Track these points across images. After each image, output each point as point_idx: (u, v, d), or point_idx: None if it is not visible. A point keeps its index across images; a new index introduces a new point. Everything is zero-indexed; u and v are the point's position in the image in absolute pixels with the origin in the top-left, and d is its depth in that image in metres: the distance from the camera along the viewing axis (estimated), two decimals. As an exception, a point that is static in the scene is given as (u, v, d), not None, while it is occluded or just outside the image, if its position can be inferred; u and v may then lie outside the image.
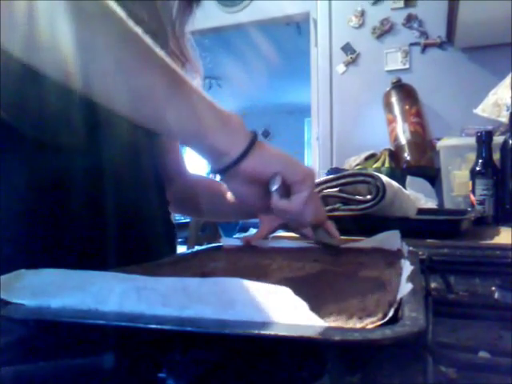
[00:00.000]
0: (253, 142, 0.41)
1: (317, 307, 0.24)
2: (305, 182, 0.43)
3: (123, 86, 0.37)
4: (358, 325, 0.22)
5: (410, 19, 2.36)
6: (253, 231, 0.79)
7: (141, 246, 0.56)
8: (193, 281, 0.24)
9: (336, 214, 0.82)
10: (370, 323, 0.22)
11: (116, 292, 0.24)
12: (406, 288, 0.26)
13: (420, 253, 0.49)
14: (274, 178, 0.42)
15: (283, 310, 0.21)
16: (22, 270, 0.27)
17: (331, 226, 0.55)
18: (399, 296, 0.25)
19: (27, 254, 0.47)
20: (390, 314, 0.23)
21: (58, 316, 0.24)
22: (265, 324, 0.21)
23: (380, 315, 0.23)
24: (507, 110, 1.39)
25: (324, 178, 0.89)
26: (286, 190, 0.43)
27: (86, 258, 0.49)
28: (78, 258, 0.48)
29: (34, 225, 0.48)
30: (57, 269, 0.27)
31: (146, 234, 0.58)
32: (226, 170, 0.42)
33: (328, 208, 0.84)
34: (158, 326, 0.21)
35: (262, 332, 0.20)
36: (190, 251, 0.56)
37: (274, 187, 0.42)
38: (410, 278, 0.28)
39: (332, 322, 0.23)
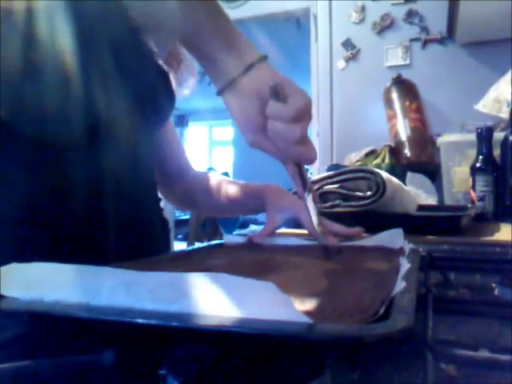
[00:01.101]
0: (263, 58, 0.47)
1: (310, 304, 0.24)
2: (302, 94, 0.45)
3: None
4: (347, 322, 0.22)
5: (410, 14, 2.35)
6: (253, 227, 0.79)
7: (137, 245, 0.56)
8: (181, 276, 0.24)
9: (336, 210, 0.82)
10: (359, 321, 0.22)
11: (106, 286, 0.24)
12: (399, 286, 0.26)
13: (420, 249, 0.49)
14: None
15: (267, 306, 0.21)
16: (14, 264, 0.27)
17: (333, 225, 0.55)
18: (393, 294, 0.25)
19: (23, 246, 0.47)
20: (381, 311, 0.23)
21: (50, 309, 0.24)
22: (260, 321, 0.21)
23: (371, 313, 0.23)
24: (508, 106, 1.39)
25: (324, 174, 0.89)
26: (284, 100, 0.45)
27: (82, 256, 0.48)
28: (74, 254, 0.48)
29: (30, 221, 0.48)
30: (48, 262, 0.27)
31: (143, 232, 0.58)
32: (231, 82, 0.46)
33: (328, 204, 0.84)
34: (158, 322, 0.21)
35: (234, 327, 0.20)
36: (190, 248, 0.55)
37: (271, 85, 0.44)
38: (405, 276, 0.28)
39: (322, 319, 0.23)
